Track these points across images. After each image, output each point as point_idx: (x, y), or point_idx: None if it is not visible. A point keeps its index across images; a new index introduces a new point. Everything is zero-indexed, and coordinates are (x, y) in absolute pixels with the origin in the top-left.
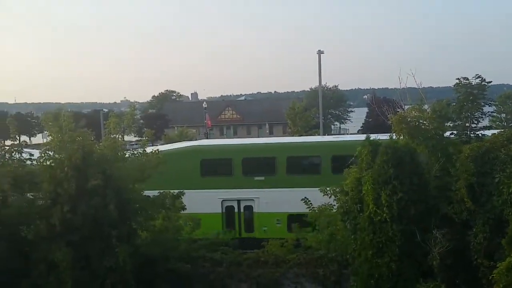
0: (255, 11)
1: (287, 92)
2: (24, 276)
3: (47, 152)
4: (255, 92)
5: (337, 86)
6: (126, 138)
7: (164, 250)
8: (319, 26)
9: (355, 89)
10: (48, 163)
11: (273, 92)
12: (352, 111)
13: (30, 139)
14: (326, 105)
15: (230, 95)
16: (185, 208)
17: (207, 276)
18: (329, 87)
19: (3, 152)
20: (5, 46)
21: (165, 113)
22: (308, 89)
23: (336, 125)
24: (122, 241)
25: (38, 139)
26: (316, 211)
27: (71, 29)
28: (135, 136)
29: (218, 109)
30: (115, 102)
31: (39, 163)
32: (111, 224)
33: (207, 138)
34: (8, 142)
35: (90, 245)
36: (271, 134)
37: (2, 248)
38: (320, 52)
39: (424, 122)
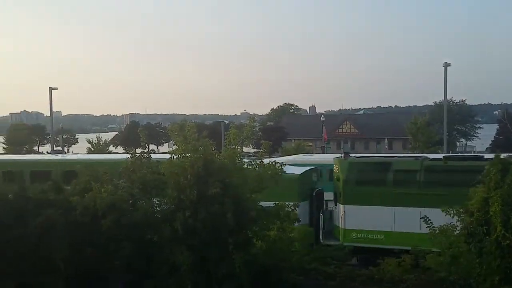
0: (375, 18)
1: (409, 106)
2: (147, 277)
3: (173, 160)
4: (375, 106)
5: (464, 100)
6: (245, 149)
7: (278, 261)
8: (445, 37)
9: (485, 104)
10: (173, 170)
11: (393, 106)
12: (480, 128)
13: (157, 148)
14: (451, 120)
15: (349, 109)
16: (300, 220)
17: None
18: (455, 101)
19: (134, 159)
20: (138, 63)
21: (283, 126)
22: (432, 104)
23: (462, 142)
24: (238, 248)
25: (165, 148)
26: (437, 231)
27: (196, 47)
28: (253, 148)
29: (336, 122)
30: (235, 114)
31: (165, 171)
32: (228, 231)
33: (324, 152)
34: (138, 150)
35: (208, 250)
36: (390, 149)
37: (130, 249)
38: (446, 65)
39: None
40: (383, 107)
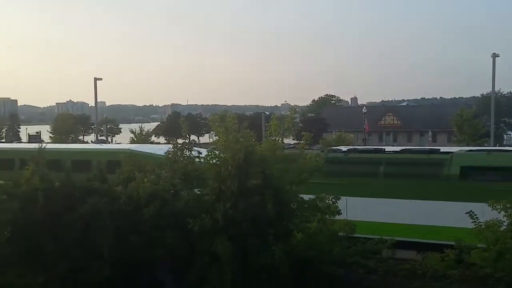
0: (420, 10)
1: (454, 98)
2: (189, 265)
3: (214, 151)
4: (419, 98)
5: None
6: (285, 140)
7: (318, 253)
8: (494, 27)
9: None
10: (214, 161)
11: (438, 98)
12: None
13: (198, 139)
14: (499, 112)
15: (392, 101)
16: (341, 213)
17: (360, 282)
18: (503, 93)
19: (176, 149)
20: (180, 54)
21: (324, 117)
22: (479, 95)
23: (510, 134)
24: (278, 239)
25: (206, 138)
26: (483, 226)
27: (237, 37)
28: (293, 139)
29: (378, 114)
30: (276, 105)
31: (206, 161)
32: (268, 222)
33: (365, 144)
34: (179, 141)
35: (248, 241)
36: (434, 142)
37: (173, 237)
38: (495, 56)
39: None
40: (428, 99)
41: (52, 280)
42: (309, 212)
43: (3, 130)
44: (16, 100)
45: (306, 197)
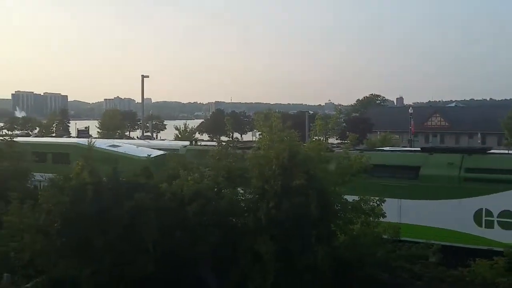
0: (470, 8)
1: (505, 99)
2: (232, 264)
3: (258, 150)
4: (468, 99)
5: None
6: (330, 140)
7: (361, 256)
8: None
9: None
10: (258, 160)
11: (488, 99)
12: None
13: (241, 136)
14: None
15: (439, 101)
16: (385, 216)
17: (404, 287)
18: None
19: (220, 147)
20: (224, 53)
21: (368, 117)
22: None
23: None
24: (321, 241)
25: (248, 136)
26: None
27: (280, 36)
28: (337, 139)
29: (424, 115)
30: (319, 105)
31: (250, 161)
32: (311, 223)
33: (411, 145)
34: (223, 138)
35: (290, 241)
36: (483, 144)
37: (216, 235)
38: None
39: None
40: (477, 100)
41: (100, 272)
42: (353, 214)
43: (53, 125)
44: (67, 96)
45: None
